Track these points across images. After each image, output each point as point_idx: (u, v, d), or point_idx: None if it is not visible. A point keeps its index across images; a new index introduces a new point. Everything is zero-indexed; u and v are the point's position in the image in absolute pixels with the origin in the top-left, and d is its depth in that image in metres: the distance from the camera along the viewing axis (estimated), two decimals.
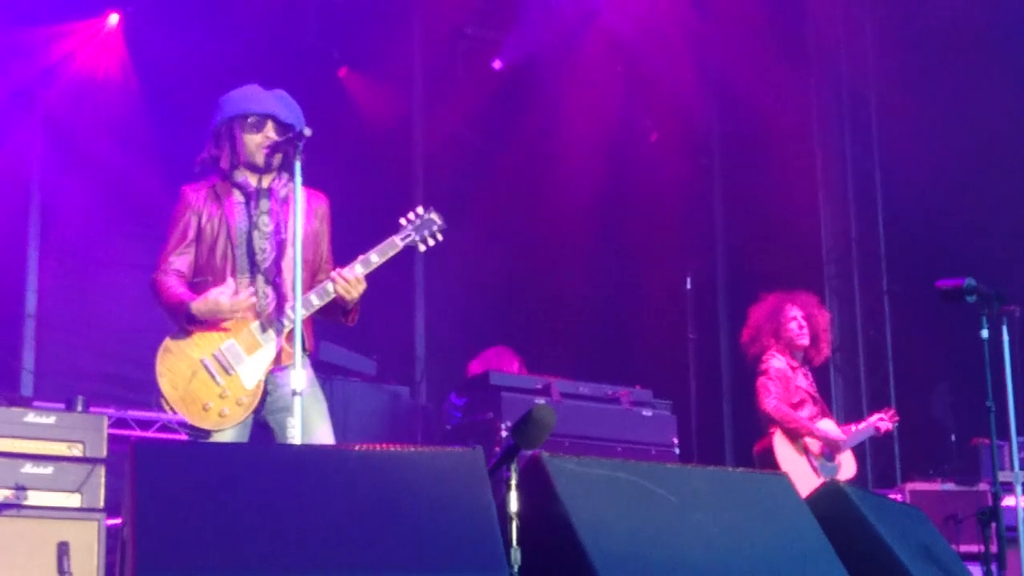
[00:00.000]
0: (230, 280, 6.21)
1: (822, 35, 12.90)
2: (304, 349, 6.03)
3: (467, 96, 13.07)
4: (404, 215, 6.45)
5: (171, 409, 6.13)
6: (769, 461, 8.87)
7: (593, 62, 12.94)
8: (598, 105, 12.98)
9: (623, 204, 13.44)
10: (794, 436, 8.95)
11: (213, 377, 6.13)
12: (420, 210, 6.47)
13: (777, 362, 9.10)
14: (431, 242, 6.45)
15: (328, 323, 6.57)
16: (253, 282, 6.27)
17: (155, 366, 6.14)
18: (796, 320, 9.21)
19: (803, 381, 9.16)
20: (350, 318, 6.43)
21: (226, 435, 6.09)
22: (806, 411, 9.04)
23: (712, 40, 12.70)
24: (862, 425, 9.36)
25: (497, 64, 13.18)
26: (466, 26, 13.08)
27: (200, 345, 6.17)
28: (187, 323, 6.15)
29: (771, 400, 8.96)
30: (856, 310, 12.69)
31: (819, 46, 12.99)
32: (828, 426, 9.10)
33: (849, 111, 13.08)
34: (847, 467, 9.12)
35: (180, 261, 6.32)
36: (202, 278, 6.29)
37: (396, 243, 6.37)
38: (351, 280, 6.25)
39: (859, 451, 9.59)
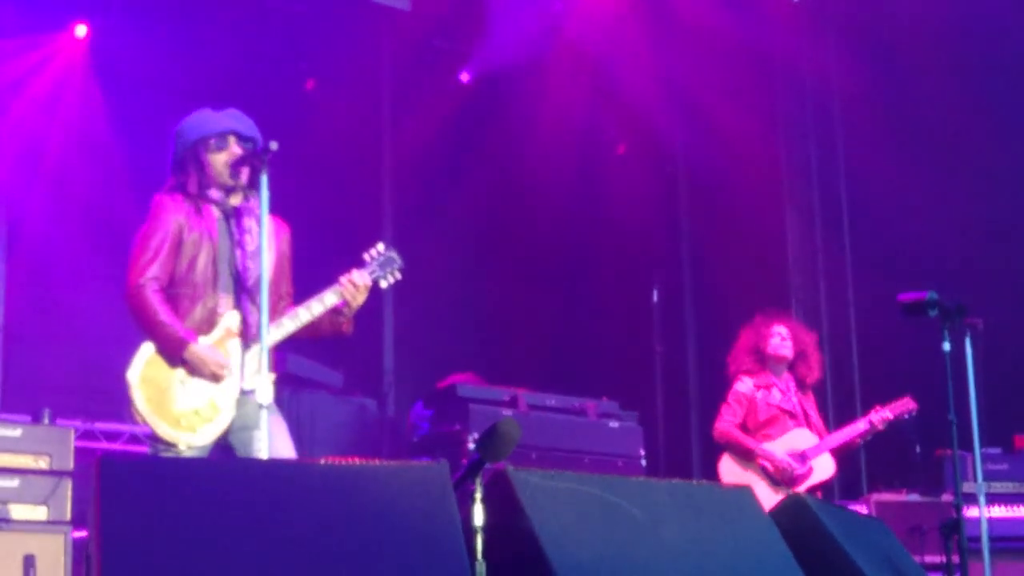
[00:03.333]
0: (225, 357, 6.19)
1: (786, 46, 12.93)
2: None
3: (435, 109, 13.10)
4: (367, 246, 6.46)
5: (141, 419, 6.08)
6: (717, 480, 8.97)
7: (560, 75, 12.97)
8: (565, 118, 13.00)
9: (590, 216, 13.47)
10: (746, 458, 8.99)
11: (191, 394, 6.12)
12: (381, 247, 6.49)
13: (741, 385, 9.13)
14: (391, 279, 6.48)
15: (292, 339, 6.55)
16: (238, 300, 6.25)
17: (129, 373, 6.08)
18: (779, 335, 9.19)
19: (776, 396, 9.13)
20: (346, 327, 6.46)
21: (190, 451, 6.08)
22: (777, 427, 9.04)
23: (677, 52, 12.73)
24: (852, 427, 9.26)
25: (465, 77, 13.22)
26: (434, 39, 13.10)
27: None
28: (175, 359, 6.12)
29: (719, 424, 9.06)
30: (822, 321, 12.72)
31: (783, 57, 13.02)
32: (784, 443, 9.05)
33: (813, 122, 13.11)
34: (821, 470, 9.01)
35: (159, 270, 6.19)
36: (177, 291, 6.23)
37: (365, 277, 6.39)
38: (360, 286, 6.30)
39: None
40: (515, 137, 13.12)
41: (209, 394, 6.13)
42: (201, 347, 6.11)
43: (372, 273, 6.41)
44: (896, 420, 9.01)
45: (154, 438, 6.11)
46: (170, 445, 6.06)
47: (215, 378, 6.13)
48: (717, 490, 5.99)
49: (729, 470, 8.99)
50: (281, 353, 6.49)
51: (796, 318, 9.71)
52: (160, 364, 6.13)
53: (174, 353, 6.11)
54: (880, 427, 8.97)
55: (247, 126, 6.42)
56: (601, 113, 13.33)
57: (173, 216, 6.28)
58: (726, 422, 9.04)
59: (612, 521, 5.16)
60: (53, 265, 11.12)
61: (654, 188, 13.49)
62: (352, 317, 6.45)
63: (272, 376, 5.87)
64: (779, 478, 8.89)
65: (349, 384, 11.23)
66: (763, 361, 9.18)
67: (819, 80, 13.07)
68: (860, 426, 9.04)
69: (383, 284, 6.47)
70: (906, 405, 9.01)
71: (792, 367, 9.24)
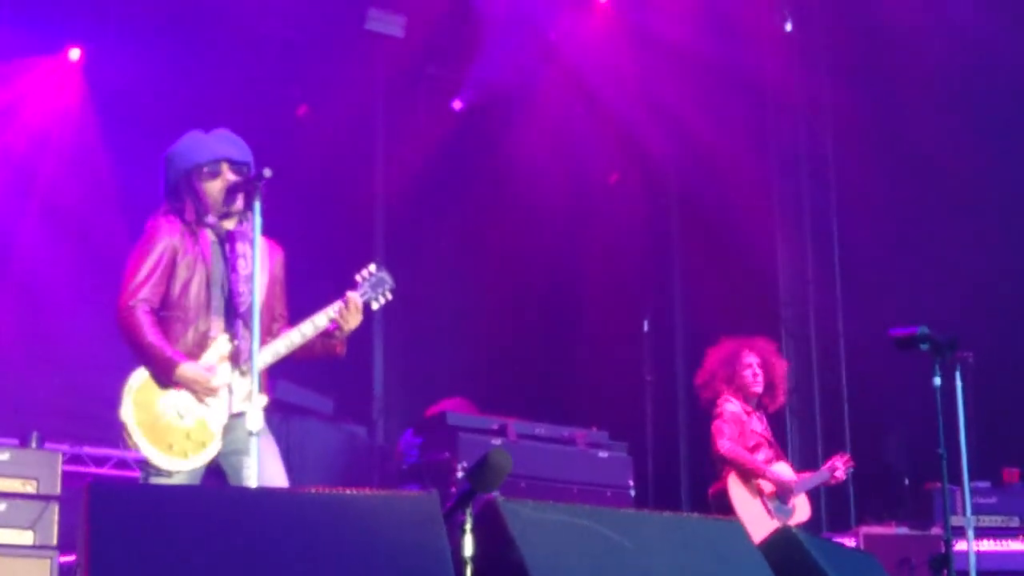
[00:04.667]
0: (216, 368, 6.17)
1: (778, 75, 12.96)
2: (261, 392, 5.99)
3: (427, 136, 13.09)
4: (359, 271, 6.44)
5: (134, 445, 6.06)
6: (724, 503, 8.86)
7: (553, 103, 12.99)
8: (557, 146, 13.01)
9: (581, 244, 13.48)
10: (748, 478, 8.96)
11: (182, 417, 6.10)
12: (373, 267, 6.46)
13: (731, 406, 9.10)
14: (382, 300, 6.46)
15: (285, 361, 6.53)
16: (231, 324, 6.23)
17: (121, 399, 6.04)
18: (752, 368, 9.19)
19: (758, 425, 9.16)
20: (339, 348, 6.45)
21: (181, 476, 6.06)
22: (762, 455, 9.04)
23: (670, 81, 12.75)
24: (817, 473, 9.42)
25: (457, 104, 13.21)
26: (427, 66, 13.11)
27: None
28: (165, 380, 6.10)
29: (725, 442, 8.95)
30: (812, 353, 12.72)
31: (775, 86, 13.05)
32: (782, 469, 9.11)
33: (806, 151, 13.12)
34: (801, 511, 9.12)
35: (150, 292, 6.16)
36: (169, 313, 6.20)
37: (356, 299, 6.37)
38: (352, 309, 6.29)
39: (813, 494, 9.60)
40: (507, 165, 13.11)
41: (200, 418, 6.11)
42: (191, 366, 6.09)
43: (364, 295, 6.38)
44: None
45: (146, 463, 6.08)
46: (162, 470, 6.04)
47: (209, 393, 6.11)
48: (707, 523, 5.96)
49: (737, 489, 8.92)
50: (271, 379, 6.45)
51: (766, 341, 9.64)
52: (152, 389, 6.10)
53: (165, 374, 6.08)
54: (843, 477, 9.23)
55: (239, 150, 6.37)
56: (594, 142, 13.33)
57: (167, 239, 6.25)
58: (730, 439, 8.97)
59: (602, 553, 5.14)
60: (43, 288, 11.09)
61: (646, 217, 13.50)
62: (345, 339, 6.45)
63: (264, 399, 5.85)
64: (783, 495, 8.96)
65: (339, 411, 11.21)
66: (740, 390, 9.19)
67: (811, 109, 13.09)
68: (825, 473, 9.23)
69: (374, 306, 6.45)
70: (849, 462, 9.25)
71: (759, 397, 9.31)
